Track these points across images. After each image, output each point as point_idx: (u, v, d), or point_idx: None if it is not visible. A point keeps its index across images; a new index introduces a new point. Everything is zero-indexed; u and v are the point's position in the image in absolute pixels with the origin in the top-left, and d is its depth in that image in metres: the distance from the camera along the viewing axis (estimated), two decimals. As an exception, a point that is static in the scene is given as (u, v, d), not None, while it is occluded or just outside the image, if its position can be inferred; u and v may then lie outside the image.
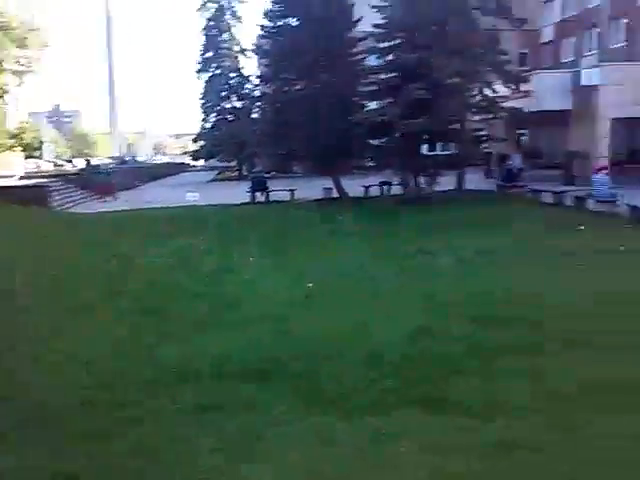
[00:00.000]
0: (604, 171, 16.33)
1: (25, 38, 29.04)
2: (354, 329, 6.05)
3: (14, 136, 33.77)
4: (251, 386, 4.69)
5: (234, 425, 4.05)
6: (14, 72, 30.96)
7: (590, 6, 36.24)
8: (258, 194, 21.83)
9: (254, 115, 33.72)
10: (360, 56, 21.97)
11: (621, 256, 9.66)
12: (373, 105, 21.69)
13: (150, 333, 6.20)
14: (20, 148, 38.67)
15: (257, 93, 33.94)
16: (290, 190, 21.31)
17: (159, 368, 5.15)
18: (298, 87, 22.17)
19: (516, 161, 25.48)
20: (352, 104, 21.15)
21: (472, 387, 4.58)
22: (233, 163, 42.11)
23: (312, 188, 21.73)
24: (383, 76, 20.60)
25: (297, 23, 22.02)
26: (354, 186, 21.32)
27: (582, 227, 12.64)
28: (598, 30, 35.69)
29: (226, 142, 38.24)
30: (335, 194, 21.74)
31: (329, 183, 21.88)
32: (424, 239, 11.91)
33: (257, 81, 33.85)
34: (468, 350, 5.35)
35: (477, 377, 4.77)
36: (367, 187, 21.85)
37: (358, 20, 21.95)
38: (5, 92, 30.40)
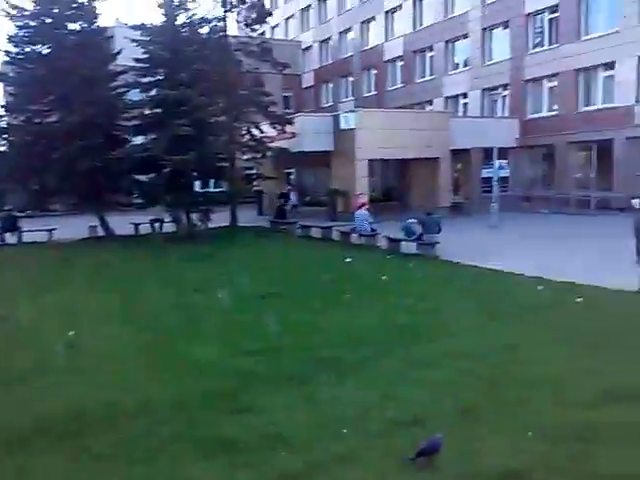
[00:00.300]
0: (365, 207, 17.82)
1: None
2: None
3: None
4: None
5: None
6: None
7: (344, 56, 40.50)
8: (8, 235, 19.40)
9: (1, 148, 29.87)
10: (121, 89, 21.10)
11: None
12: (138, 140, 20.84)
13: None
14: None
15: (2, 124, 30.23)
16: (49, 230, 19.30)
17: None
18: (52, 119, 20.33)
19: (293, 198, 27.40)
20: (114, 138, 20.09)
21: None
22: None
23: (76, 227, 20.01)
24: (147, 111, 20.07)
25: (48, 51, 20.35)
26: (124, 223, 20.08)
27: (349, 259, 13.49)
28: (352, 79, 40.00)
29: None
30: (102, 232, 20.19)
31: (95, 221, 20.24)
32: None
33: (1, 111, 30.23)
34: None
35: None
36: (137, 225, 20.76)
37: (118, 53, 21.34)
38: None
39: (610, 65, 24.66)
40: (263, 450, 4.28)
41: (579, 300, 8.79)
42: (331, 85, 42.64)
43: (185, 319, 8.36)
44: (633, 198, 12.77)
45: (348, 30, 40.32)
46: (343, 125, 24.08)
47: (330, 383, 5.59)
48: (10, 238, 19.36)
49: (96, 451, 4.32)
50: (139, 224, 20.72)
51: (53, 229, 19.52)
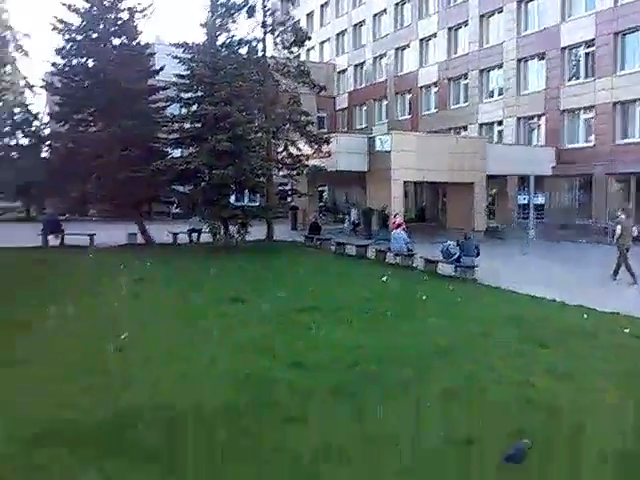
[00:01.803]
0: (402, 228, 17.78)
1: None
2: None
3: None
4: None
5: None
6: None
7: (379, 81, 40.85)
8: (51, 237, 19.70)
9: (45, 154, 30.80)
10: (161, 104, 21.58)
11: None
12: (177, 153, 21.27)
13: None
14: None
15: (47, 131, 31.23)
16: (89, 235, 19.63)
17: None
18: (95, 129, 20.91)
19: (353, 215, 26.93)
20: (153, 150, 20.58)
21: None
22: (18, 203, 37.66)
23: (114, 233, 20.32)
24: (187, 125, 20.44)
25: (93, 64, 21.07)
26: (162, 232, 20.43)
27: (386, 277, 13.44)
28: (386, 102, 40.27)
29: (9, 181, 34.02)
30: (140, 240, 20.53)
31: (134, 228, 20.57)
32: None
33: (47, 119, 31.23)
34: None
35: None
36: (175, 234, 21.05)
37: (160, 69, 21.99)
38: None
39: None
40: (318, 461, 4.24)
41: (626, 331, 8.57)
42: (365, 107, 42.98)
43: (225, 328, 8.34)
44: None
45: (383, 55, 40.68)
46: (378, 147, 24.26)
47: (377, 399, 5.51)
48: (53, 240, 19.65)
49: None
50: (177, 233, 20.99)
51: (93, 234, 19.79)
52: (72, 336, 7.68)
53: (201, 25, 21.62)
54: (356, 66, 43.81)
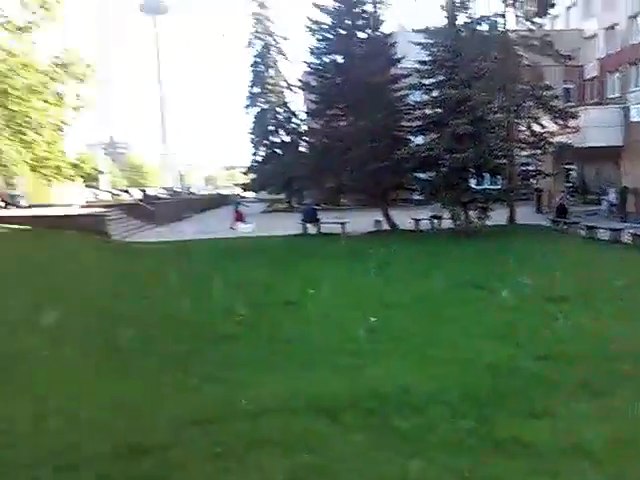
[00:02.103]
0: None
1: (84, 74, 30.45)
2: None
3: (74, 166, 35.68)
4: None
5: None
6: (74, 107, 32.41)
7: (635, 42, 35.79)
8: (309, 226, 21.94)
9: (302, 149, 34.59)
10: (403, 92, 22.28)
11: None
12: (418, 140, 22.01)
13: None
14: (80, 178, 40.68)
15: (304, 128, 34.84)
16: (341, 223, 21.36)
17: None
18: (345, 123, 22.73)
19: (611, 196, 24.27)
20: (397, 139, 21.52)
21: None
22: (282, 195, 43.04)
23: (362, 220, 21.87)
24: (428, 111, 20.85)
25: (342, 60, 22.68)
26: (405, 218, 21.44)
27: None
28: (644, 66, 35.12)
29: (275, 175, 39.15)
30: (385, 226, 21.92)
31: (378, 215, 22.12)
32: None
33: (304, 116, 34.73)
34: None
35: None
36: (417, 220, 21.89)
37: (401, 58, 22.55)
38: (65, 125, 31.89)
39: None
40: (564, 459, 4.12)
41: None
42: (618, 74, 38.08)
43: (466, 314, 8.50)
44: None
45: (639, 14, 35.44)
46: (635, 117, 21.67)
47: (632, 399, 5.11)
48: (311, 229, 21.89)
49: (402, 431, 4.50)
50: (419, 220, 21.78)
51: (345, 222, 21.38)
52: (327, 318, 8.37)
53: (441, 7, 21.37)
54: (607, 29, 39.03)
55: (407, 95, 22.56)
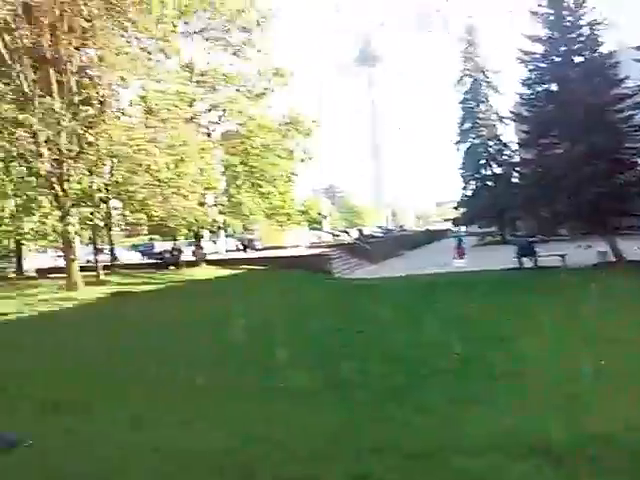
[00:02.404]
0: None
1: (309, 130, 34.22)
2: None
3: (303, 212, 40.05)
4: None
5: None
6: (302, 159, 36.45)
7: None
8: (525, 259, 21.01)
9: (514, 180, 33.76)
10: (628, 112, 20.65)
11: None
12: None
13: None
14: (307, 222, 45.25)
15: (516, 159, 33.98)
16: (560, 255, 20.17)
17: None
18: (561, 150, 21.81)
19: None
20: (621, 162, 19.94)
21: None
22: (493, 228, 42.14)
23: (583, 251, 20.25)
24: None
25: (556, 88, 21.99)
26: (630, 248, 19.40)
27: None
28: None
29: (487, 208, 38.62)
30: (611, 257, 19.96)
31: (601, 245, 20.38)
32: None
33: (516, 147, 33.95)
34: None
35: None
36: (650, 251, 19.60)
37: (625, 78, 21.01)
38: (294, 176, 35.92)
39: None
40: None
41: None
42: None
43: None
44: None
45: None
46: None
47: None
48: (527, 262, 20.79)
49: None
50: (649, 250, 19.48)
51: (564, 254, 20.19)
52: (543, 355, 8.01)
53: None
54: None
55: (633, 115, 20.76)
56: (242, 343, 9.92)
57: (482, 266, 21.88)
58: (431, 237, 55.80)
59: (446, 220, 58.34)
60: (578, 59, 21.62)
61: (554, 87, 22.22)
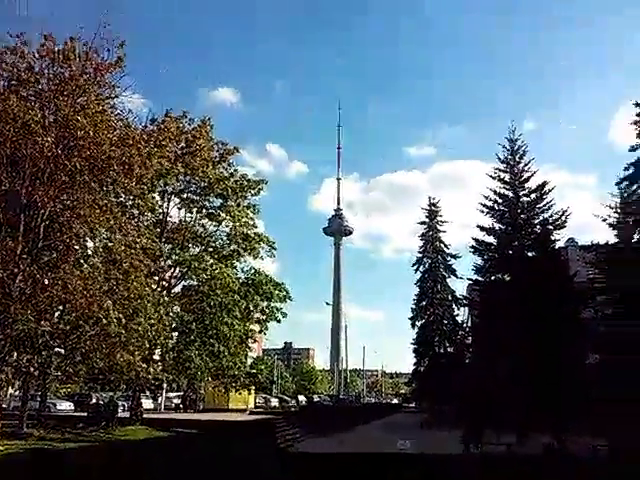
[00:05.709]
0: None
1: (272, 293, 34.47)
2: None
3: (252, 375, 38.70)
4: None
5: None
6: (257, 320, 36.14)
7: None
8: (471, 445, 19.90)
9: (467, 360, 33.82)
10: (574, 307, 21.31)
11: None
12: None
13: None
14: (254, 386, 43.49)
15: (469, 341, 34.37)
16: (507, 444, 19.22)
17: None
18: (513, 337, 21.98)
19: None
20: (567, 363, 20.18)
21: None
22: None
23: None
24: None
25: (508, 278, 22.93)
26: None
27: None
28: None
29: (438, 387, 37.98)
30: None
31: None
32: None
33: (468, 329, 34.63)
34: None
35: None
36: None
37: (574, 275, 21.88)
38: (251, 337, 35.35)
39: None
40: None
41: None
42: None
43: None
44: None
45: None
46: None
47: None
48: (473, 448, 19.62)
49: None
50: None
51: (511, 444, 19.05)
52: None
53: (610, 226, 21.02)
54: None
55: (579, 313, 21.42)
56: None
57: (430, 449, 20.42)
58: (382, 411, 53.91)
59: (397, 395, 57.08)
60: (530, 254, 22.76)
61: (507, 277, 23.13)
